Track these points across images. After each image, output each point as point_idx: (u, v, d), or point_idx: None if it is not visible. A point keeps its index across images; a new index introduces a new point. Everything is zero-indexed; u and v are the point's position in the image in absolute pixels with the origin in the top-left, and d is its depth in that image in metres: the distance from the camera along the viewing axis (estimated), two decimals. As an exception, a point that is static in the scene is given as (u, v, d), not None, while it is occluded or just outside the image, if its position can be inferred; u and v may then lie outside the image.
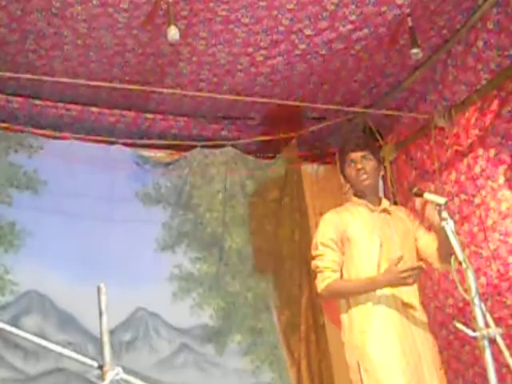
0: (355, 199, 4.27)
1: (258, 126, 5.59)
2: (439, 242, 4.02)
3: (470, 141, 4.92)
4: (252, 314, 5.48)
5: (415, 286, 4.04)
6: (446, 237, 3.36)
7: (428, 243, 4.17)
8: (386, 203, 4.30)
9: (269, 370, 5.37)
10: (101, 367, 2.72)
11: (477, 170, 4.86)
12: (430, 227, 4.18)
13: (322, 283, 4.06)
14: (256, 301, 5.51)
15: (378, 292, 3.99)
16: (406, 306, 4.05)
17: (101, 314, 2.82)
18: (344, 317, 4.15)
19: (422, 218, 4.09)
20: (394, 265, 3.91)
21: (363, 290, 4.02)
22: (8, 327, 2.73)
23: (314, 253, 4.18)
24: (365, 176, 4.17)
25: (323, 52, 4.69)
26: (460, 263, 3.24)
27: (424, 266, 4.00)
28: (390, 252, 4.09)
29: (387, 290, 3.99)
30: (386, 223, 4.20)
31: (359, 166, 4.16)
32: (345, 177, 4.31)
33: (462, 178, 4.98)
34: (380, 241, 4.11)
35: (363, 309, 4.04)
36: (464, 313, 4.78)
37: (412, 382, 3.86)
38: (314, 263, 4.16)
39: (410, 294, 4.05)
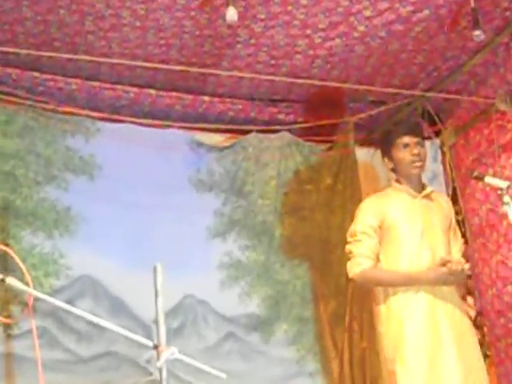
0: (396, 185, 4.19)
1: (315, 110, 5.50)
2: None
3: (530, 124, 4.84)
4: (299, 303, 5.42)
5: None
6: None
7: (453, 243, 4.16)
8: (428, 189, 4.20)
9: (313, 359, 5.31)
10: (156, 347, 2.70)
11: (536, 154, 4.79)
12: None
13: (355, 268, 4.01)
14: (304, 290, 5.45)
15: None
16: (446, 296, 3.98)
17: (156, 293, 2.81)
18: (382, 307, 4.10)
19: None
20: (440, 265, 3.89)
21: (401, 284, 3.97)
22: (68, 306, 2.74)
23: (350, 239, 4.13)
24: (420, 163, 4.11)
25: (382, 34, 4.62)
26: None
27: (470, 272, 3.97)
28: (431, 241, 4.04)
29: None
30: (427, 209, 4.12)
31: (415, 152, 4.08)
32: (392, 160, 4.19)
33: (522, 162, 4.91)
34: (421, 228, 4.05)
35: (403, 298, 3.98)
36: (523, 301, 4.71)
37: (454, 376, 3.81)
38: (348, 248, 4.11)
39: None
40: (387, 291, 4.04)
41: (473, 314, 4.80)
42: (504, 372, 4.97)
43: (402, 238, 4.04)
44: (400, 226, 4.06)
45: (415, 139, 4.12)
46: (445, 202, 4.30)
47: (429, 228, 4.05)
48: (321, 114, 5.51)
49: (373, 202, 4.19)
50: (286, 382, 5.22)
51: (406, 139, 4.11)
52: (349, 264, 4.06)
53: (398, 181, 4.19)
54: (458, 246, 4.19)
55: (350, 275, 4.06)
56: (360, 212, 4.18)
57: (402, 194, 4.15)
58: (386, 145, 4.24)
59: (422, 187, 4.18)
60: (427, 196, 4.16)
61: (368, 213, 4.13)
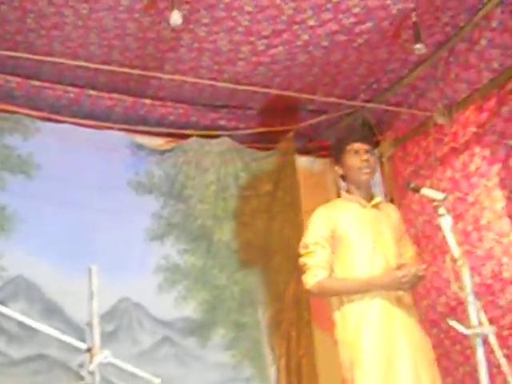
0: (346, 195, 4.24)
1: (256, 117, 5.53)
2: None
3: (466, 138, 4.89)
4: (237, 309, 5.42)
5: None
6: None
7: (405, 251, 4.21)
8: (377, 199, 4.25)
9: (250, 365, 5.32)
10: (89, 350, 2.67)
11: (472, 167, 4.83)
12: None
13: (311, 279, 4.01)
14: (242, 295, 5.46)
15: None
16: (400, 301, 4.01)
17: (91, 295, 2.77)
18: (337, 314, 4.10)
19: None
20: (395, 269, 3.95)
21: (357, 291, 3.99)
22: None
23: (303, 251, 4.12)
24: (369, 169, 4.15)
25: (325, 44, 4.63)
26: (455, 260, 3.21)
27: (424, 274, 4.01)
28: (383, 248, 4.07)
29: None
30: (377, 219, 4.16)
31: (365, 157, 4.13)
32: (343, 167, 4.23)
33: (457, 175, 4.95)
34: (372, 237, 4.08)
35: (359, 305, 4.00)
36: (456, 312, 4.73)
37: (408, 379, 3.82)
38: (302, 260, 4.10)
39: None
40: (342, 299, 4.05)
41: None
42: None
43: (355, 246, 4.07)
44: (351, 236, 4.08)
45: (365, 146, 4.17)
46: (393, 212, 4.35)
47: (379, 236, 4.10)
48: (263, 121, 5.55)
49: (323, 213, 4.19)
50: (222, 387, 5.20)
51: (357, 146, 4.16)
52: (304, 276, 4.06)
53: (348, 191, 4.23)
54: (410, 253, 4.25)
55: (307, 287, 4.05)
56: (311, 223, 4.19)
57: (351, 203, 4.18)
58: (337, 151, 4.28)
59: (371, 197, 4.22)
60: (376, 206, 4.20)
61: (319, 223, 4.14)
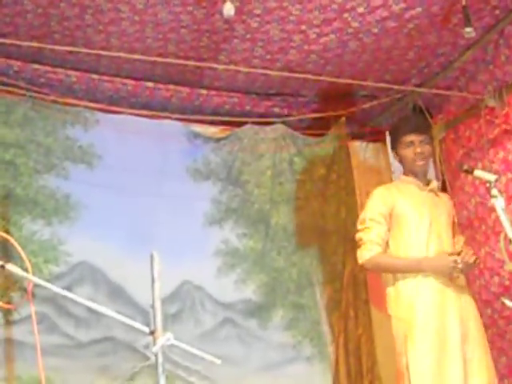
0: (404, 177, 4.31)
1: (308, 104, 5.54)
2: None
3: (518, 120, 4.85)
4: (295, 290, 5.46)
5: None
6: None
7: (456, 239, 4.26)
8: (434, 184, 4.31)
9: (310, 345, 5.37)
10: (152, 333, 2.74)
11: (526, 148, 4.80)
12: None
13: (365, 254, 4.10)
14: (300, 277, 5.49)
15: None
16: (453, 281, 4.06)
17: (153, 280, 2.84)
18: (390, 290, 4.17)
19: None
20: (448, 254, 4.00)
21: (409, 270, 4.05)
22: (67, 293, 2.78)
23: (360, 226, 4.21)
24: (422, 161, 4.23)
25: (375, 30, 4.62)
26: (509, 241, 3.21)
27: (478, 261, 4.05)
28: (438, 231, 4.13)
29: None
30: (433, 203, 4.22)
31: (418, 150, 4.20)
32: (398, 156, 4.33)
33: (510, 156, 4.88)
34: (430, 219, 4.13)
35: (413, 282, 4.06)
36: (509, 291, 4.71)
37: (458, 356, 3.89)
38: (358, 235, 4.19)
39: None
40: (396, 275, 4.13)
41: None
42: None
43: (411, 226, 4.13)
44: (409, 215, 4.15)
45: (420, 137, 4.24)
46: (447, 200, 4.41)
47: (436, 220, 4.15)
48: (315, 108, 5.57)
49: (383, 191, 4.28)
50: (283, 366, 5.28)
51: (412, 137, 4.24)
52: (359, 251, 4.15)
53: (405, 174, 4.31)
54: (461, 243, 4.28)
55: (360, 261, 4.15)
56: (370, 200, 4.28)
57: (410, 185, 4.26)
58: (392, 141, 4.39)
59: (428, 182, 4.29)
60: (432, 190, 4.27)
61: (378, 201, 4.23)
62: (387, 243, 4.18)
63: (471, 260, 3.98)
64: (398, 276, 4.11)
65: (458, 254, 4.00)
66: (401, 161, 4.35)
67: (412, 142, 4.23)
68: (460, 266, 3.95)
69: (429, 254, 4.07)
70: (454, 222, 4.34)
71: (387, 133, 4.87)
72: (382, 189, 4.33)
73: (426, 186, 4.27)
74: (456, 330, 3.96)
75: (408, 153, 4.24)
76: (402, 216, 4.15)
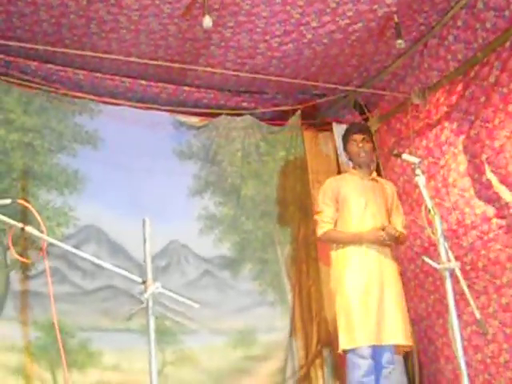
0: (352, 170, 4.49)
1: (271, 99, 5.51)
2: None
3: (438, 115, 4.86)
4: (261, 248, 5.44)
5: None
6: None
7: (395, 222, 4.41)
8: (374, 174, 4.49)
9: (272, 292, 5.35)
10: (144, 282, 2.73)
11: (442, 138, 4.80)
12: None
13: (320, 230, 4.36)
14: (264, 237, 5.46)
15: None
16: (382, 249, 4.29)
17: (145, 241, 2.82)
18: (333, 254, 4.41)
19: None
20: (379, 229, 4.22)
21: (351, 242, 4.28)
22: (75, 250, 2.76)
23: (316, 209, 4.47)
24: (363, 154, 4.41)
25: (325, 41, 4.61)
26: (429, 211, 3.23)
27: (397, 235, 4.24)
28: (373, 212, 4.34)
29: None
30: (371, 189, 4.41)
31: (360, 145, 4.39)
32: (347, 152, 4.52)
33: (431, 144, 4.91)
34: (365, 201, 4.34)
35: (348, 248, 4.30)
36: (429, 251, 4.74)
37: (372, 309, 4.11)
38: (315, 217, 4.45)
39: None
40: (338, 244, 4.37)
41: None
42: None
43: (351, 208, 4.35)
44: (349, 199, 4.36)
45: (361, 136, 4.43)
46: (390, 187, 4.58)
47: (371, 202, 4.35)
48: (277, 102, 5.54)
49: (331, 181, 4.52)
50: (251, 309, 5.26)
51: (355, 136, 4.45)
52: (317, 228, 4.39)
53: (353, 167, 4.49)
54: (399, 220, 4.47)
55: (318, 235, 4.41)
56: (322, 189, 4.51)
57: (354, 176, 4.45)
58: (344, 141, 4.56)
59: (370, 173, 4.47)
60: (373, 179, 4.45)
61: (327, 189, 4.46)
62: (336, 221, 4.38)
63: (393, 233, 4.20)
64: (339, 244, 4.33)
65: (383, 229, 4.19)
66: (350, 157, 4.51)
67: (355, 140, 4.42)
68: (386, 237, 4.18)
69: (364, 229, 4.27)
70: (394, 205, 4.50)
71: (334, 124, 5.07)
72: (331, 179, 4.58)
73: (369, 176, 4.43)
74: (376, 282, 4.18)
75: (353, 148, 4.44)
76: (345, 200, 4.36)
